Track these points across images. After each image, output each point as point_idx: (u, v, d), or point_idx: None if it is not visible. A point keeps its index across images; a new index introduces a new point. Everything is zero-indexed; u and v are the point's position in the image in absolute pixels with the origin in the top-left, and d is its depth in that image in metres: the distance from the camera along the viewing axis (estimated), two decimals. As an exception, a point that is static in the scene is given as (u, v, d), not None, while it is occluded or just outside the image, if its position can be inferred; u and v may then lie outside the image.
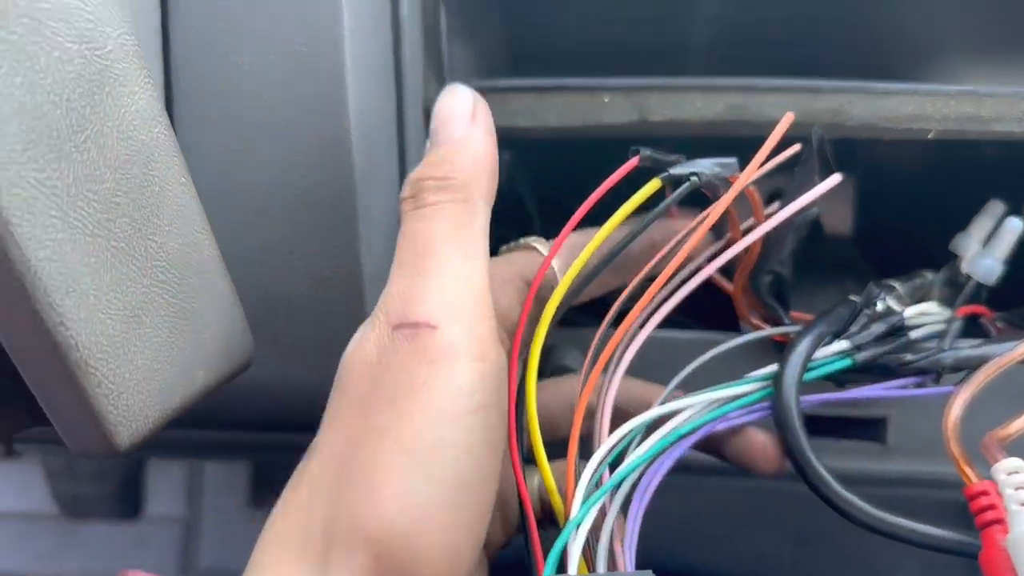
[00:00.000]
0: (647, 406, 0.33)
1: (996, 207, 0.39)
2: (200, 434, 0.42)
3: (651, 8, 0.47)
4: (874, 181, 0.41)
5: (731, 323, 0.39)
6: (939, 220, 0.45)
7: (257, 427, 0.40)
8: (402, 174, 0.38)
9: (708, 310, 0.37)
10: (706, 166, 0.31)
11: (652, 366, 0.33)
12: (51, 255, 0.22)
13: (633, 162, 0.29)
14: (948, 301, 0.40)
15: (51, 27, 0.22)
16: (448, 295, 0.27)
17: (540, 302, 0.30)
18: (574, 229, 0.30)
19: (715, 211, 0.30)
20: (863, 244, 0.50)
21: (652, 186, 0.29)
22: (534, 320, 0.30)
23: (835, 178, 0.33)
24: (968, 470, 0.29)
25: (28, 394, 0.29)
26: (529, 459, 0.29)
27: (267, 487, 0.90)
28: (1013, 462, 0.28)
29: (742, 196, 0.32)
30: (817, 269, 0.45)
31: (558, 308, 0.29)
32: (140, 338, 0.25)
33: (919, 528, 0.30)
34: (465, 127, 0.30)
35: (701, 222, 0.31)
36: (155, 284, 0.26)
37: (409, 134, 0.38)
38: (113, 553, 0.90)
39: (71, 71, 0.22)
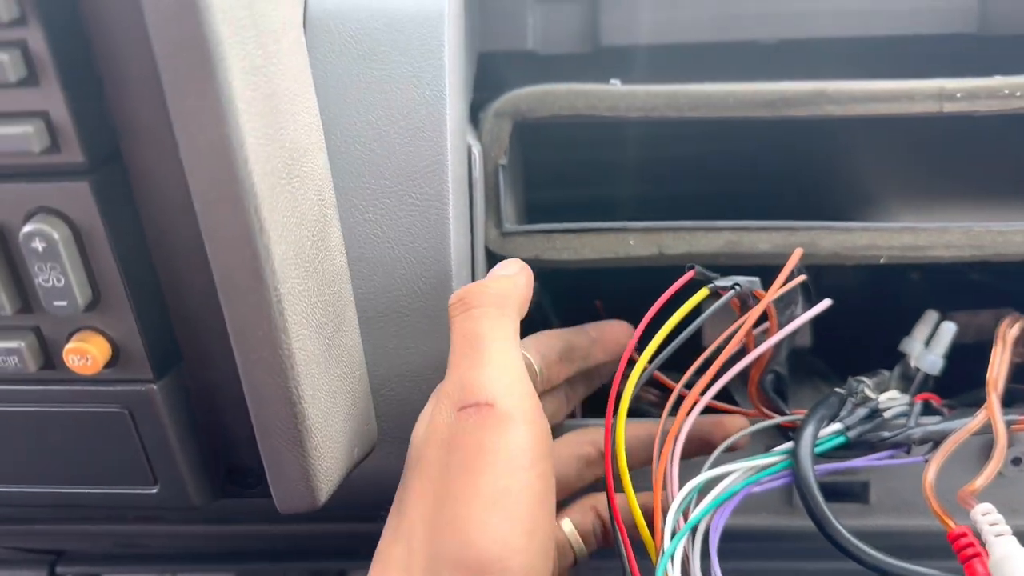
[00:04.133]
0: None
1: (931, 315, 0.51)
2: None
3: (642, 172, 0.59)
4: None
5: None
6: (879, 330, 0.56)
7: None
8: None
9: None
10: (741, 281, 0.40)
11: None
12: (300, 346, 0.30)
13: (690, 274, 0.39)
14: (904, 391, 0.51)
15: (307, 184, 0.31)
16: (498, 379, 0.33)
17: None
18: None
19: (752, 315, 0.40)
20: (823, 353, 0.61)
21: (701, 294, 0.39)
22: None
23: (826, 302, 0.43)
24: (948, 520, 0.38)
25: (223, 473, 0.36)
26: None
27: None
28: (986, 506, 0.38)
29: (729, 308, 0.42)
30: (792, 376, 0.55)
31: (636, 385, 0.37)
32: (334, 415, 0.33)
33: (918, 569, 0.36)
34: (511, 269, 0.40)
35: (740, 326, 0.40)
36: (341, 376, 0.34)
37: (478, 268, 0.47)
38: None
39: (312, 213, 0.31)
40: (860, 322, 0.61)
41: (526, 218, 0.60)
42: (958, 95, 0.46)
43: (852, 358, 0.58)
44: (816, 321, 0.63)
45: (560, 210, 0.60)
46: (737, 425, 0.44)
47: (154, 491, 0.35)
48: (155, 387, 0.32)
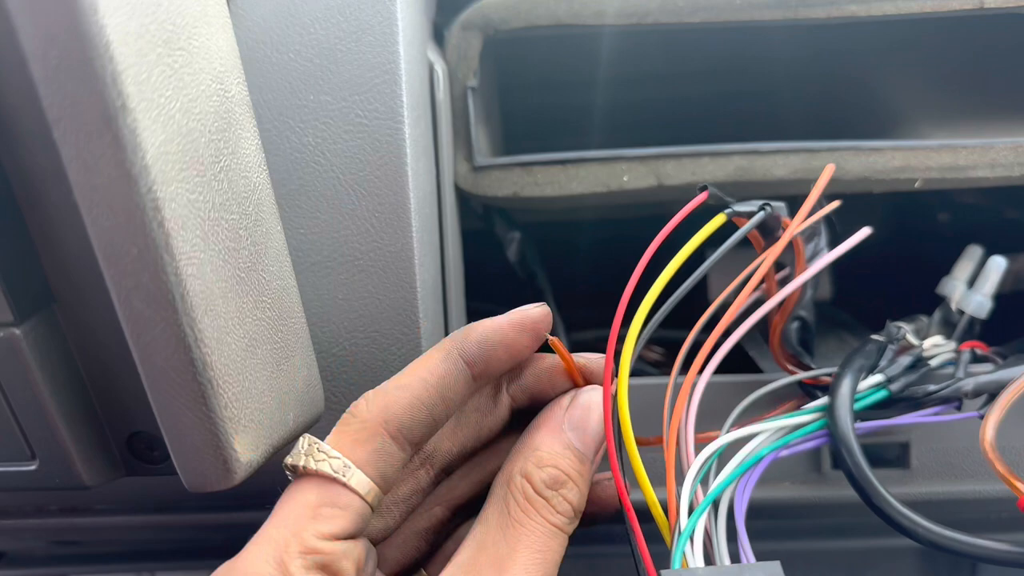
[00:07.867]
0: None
1: (975, 250, 0.44)
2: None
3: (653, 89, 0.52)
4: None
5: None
6: (904, 279, 0.49)
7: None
8: (442, 246, 0.40)
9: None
10: (770, 203, 0.33)
11: (703, 407, 0.35)
12: (195, 272, 0.23)
13: (703, 196, 0.31)
14: (946, 338, 0.44)
15: (199, 63, 0.24)
16: None
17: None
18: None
19: (779, 245, 0.33)
20: (844, 306, 0.54)
21: (718, 220, 0.32)
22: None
23: (866, 230, 0.35)
24: (1018, 483, 0.31)
25: (122, 444, 0.29)
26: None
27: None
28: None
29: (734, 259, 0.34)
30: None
31: (640, 334, 0.30)
32: (254, 368, 0.26)
33: (986, 544, 0.30)
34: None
35: (762, 262, 0.33)
36: (264, 319, 0.27)
37: (445, 208, 0.40)
38: None
39: (211, 106, 0.24)
40: (883, 270, 0.54)
41: (504, 154, 0.53)
42: (1004, -13, 0.39)
43: (876, 310, 0.52)
44: (835, 272, 0.57)
45: (543, 145, 0.53)
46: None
47: (33, 468, 0.28)
48: (18, 331, 0.25)
